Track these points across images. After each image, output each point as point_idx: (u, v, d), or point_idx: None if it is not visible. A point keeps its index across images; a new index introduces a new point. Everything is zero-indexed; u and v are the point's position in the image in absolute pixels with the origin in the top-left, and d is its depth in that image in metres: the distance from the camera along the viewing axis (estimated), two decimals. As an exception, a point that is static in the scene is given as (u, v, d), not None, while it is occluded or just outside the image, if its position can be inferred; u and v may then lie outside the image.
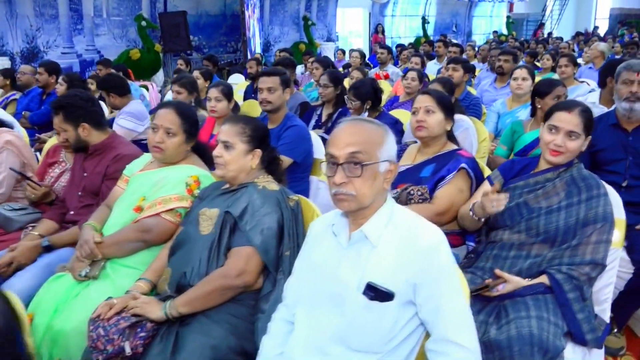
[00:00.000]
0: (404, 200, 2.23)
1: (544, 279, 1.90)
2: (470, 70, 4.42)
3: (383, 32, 13.85)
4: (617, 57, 7.78)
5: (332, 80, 4.07)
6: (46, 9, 9.06)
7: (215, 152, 1.86)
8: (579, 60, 8.31)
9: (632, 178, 2.60)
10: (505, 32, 18.66)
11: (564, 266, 1.89)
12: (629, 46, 7.88)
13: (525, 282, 1.89)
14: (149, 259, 1.99)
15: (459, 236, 2.33)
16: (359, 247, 1.43)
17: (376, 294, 1.35)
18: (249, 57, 9.95)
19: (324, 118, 4.15)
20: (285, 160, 2.90)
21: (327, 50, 12.98)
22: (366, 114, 3.76)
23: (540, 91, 3.14)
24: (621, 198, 2.59)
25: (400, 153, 2.48)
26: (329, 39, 13.97)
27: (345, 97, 3.90)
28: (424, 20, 16.04)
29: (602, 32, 19.04)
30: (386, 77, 7.14)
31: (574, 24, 22.59)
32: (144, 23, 9.53)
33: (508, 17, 19.03)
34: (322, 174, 3.07)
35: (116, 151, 2.45)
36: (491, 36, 16.46)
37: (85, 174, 2.48)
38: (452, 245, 2.20)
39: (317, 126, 4.13)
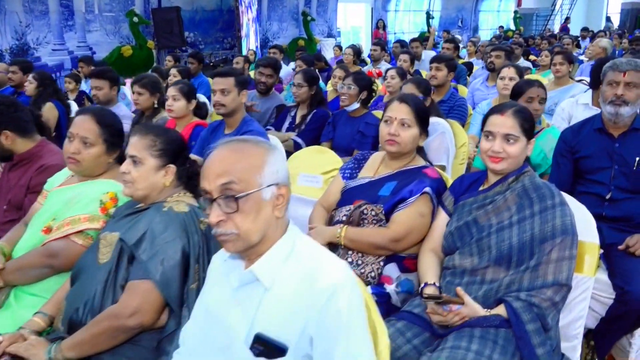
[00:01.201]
0: (356, 219, 1.98)
1: (501, 309, 1.65)
2: (454, 68, 4.13)
3: (384, 27, 13.51)
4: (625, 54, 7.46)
5: (306, 80, 3.84)
6: (36, 5, 8.90)
7: (122, 168, 1.63)
8: (582, 57, 7.99)
9: (617, 189, 2.33)
10: (513, 27, 18.24)
11: (523, 292, 1.64)
12: (634, 42, 7.51)
13: (483, 311, 1.65)
14: (58, 286, 1.76)
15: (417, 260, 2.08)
16: (250, 289, 1.19)
17: (265, 348, 1.12)
18: (244, 53, 9.75)
19: (297, 120, 3.91)
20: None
21: (328, 46, 12.69)
22: (358, 105, 3.50)
23: (514, 92, 2.88)
24: (604, 212, 2.36)
25: (362, 162, 2.24)
26: (329, 35, 13.69)
27: (341, 84, 3.64)
28: (429, 15, 15.66)
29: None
30: (379, 74, 6.86)
31: (585, 18, 22.04)
32: (135, 19, 9.33)
33: (515, 12, 18.57)
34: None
35: (42, 161, 2.23)
36: (497, 31, 16.04)
37: (10, 186, 2.27)
38: (409, 270, 1.96)
39: (290, 128, 3.90)
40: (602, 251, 2.30)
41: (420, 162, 2.11)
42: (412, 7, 16.03)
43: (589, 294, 1.81)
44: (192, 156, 2.84)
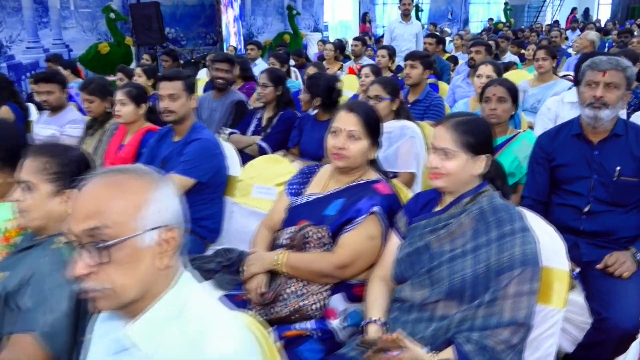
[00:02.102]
0: (299, 243, 1.75)
1: (449, 352, 1.43)
2: (430, 65, 3.90)
3: (370, 21, 13.25)
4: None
5: (271, 79, 3.60)
6: (8, 2, 8.57)
7: (13, 196, 1.40)
8: (570, 51, 7.76)
9: (596, 202, 2.12)
10: (504, 19, 18.01)
11: (476, 332, 1.42)
12: (622, 34, 7.28)
13: (428, 357, 1.42)
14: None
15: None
16: (126, 357, 0.96)
17: None
18: (226, 49, 9.49)
19: (264, 122, 3.68)
20: (183, 182, 2.44)
21: (314, 41, 12.42)
22: (315, 111, 3.29)
23: (481, 93, 2.68)
24: (582, 226, 2.14)
25: (309, 176, 2.01)
26: (316, 29, 13.42)
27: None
28: (417, 8, 15.37)
29: (604, 18, 18.32)
30: (360, 70, 6.63)
31: (577, 9, 21.82)
32: (112, 15, 9.02)
33: (506, 3, 18.32)
34: (238, 195, 2.61)
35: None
36: (487, 24, 15.81)
37: None
38: (359, 299, 1.74)
39: (256, 132, 3.66)
40: (579, 269, 2.10)
41: (372, 175, 1.88)
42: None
43: (557, 328, 1.59)
44: None
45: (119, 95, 2.91)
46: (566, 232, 2.15)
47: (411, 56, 3.84)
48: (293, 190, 1.96)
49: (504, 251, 1.46)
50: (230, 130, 3.65)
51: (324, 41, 10.30)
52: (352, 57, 7.11)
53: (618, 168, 2.07)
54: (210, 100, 4.09)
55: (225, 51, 8.47)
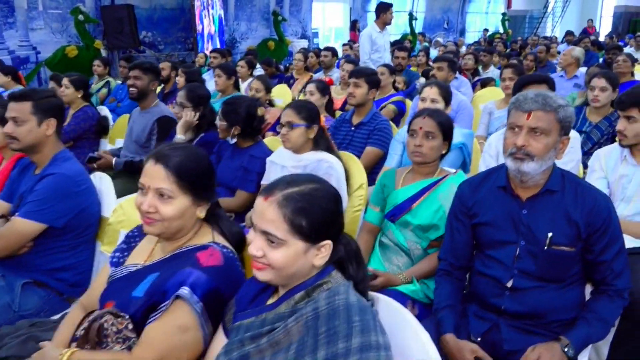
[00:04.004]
0: (94, 337, 1.30)
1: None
2: (377, 85, 3.44)
3: (359, 29, 12.81)
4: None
5: (190, 99, 3.15)
6: (-30, 1, 8.22)
7: None
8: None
9: (521, 275, 1.66)
10: (502, 30, 17.55)
11: None
12: (610, 51, 6.79)
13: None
14: None
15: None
16: None
17: None
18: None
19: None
20: (28, 227, 2.00)
21: (300, 47, 12.01)
22: (233, 140, 2.86)
23: None
24: (504, 305, 1.68)
25: (135, 240, 1.55)
26: (303, 36, 13.00)
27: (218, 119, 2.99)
28: (411, 17, 14.95)
29: (605, 31, 17.83)
30: (330, 83, 6.19)
31: (579, 21, 21.36)
32: (81, 17, 8.63)
33: (503, 14, 17.84)
34: (105, 242, 2.16)
35: None
36: (482, 35, 15.35)
37: None
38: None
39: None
40: (498, 363, 1.64)
41: (204, 237, 1.42)
42: (394, 8, 15.28)
43: None
44: None
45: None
46: (487, 309, 1.71)
47: (356, 73, 3.39)
48: (115, 259, 1.50)
49: None
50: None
51: (305, 49, 9.87)
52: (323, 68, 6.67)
53: (550, 234, 1.61)
54: (136, 114, 3.66)
55: (195, 58, 8.04)
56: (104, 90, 6.27)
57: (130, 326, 1.28)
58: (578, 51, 5.63)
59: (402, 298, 1.92)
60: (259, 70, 7.35)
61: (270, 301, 1.21)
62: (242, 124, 2.74)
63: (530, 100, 1.59)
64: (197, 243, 1.40)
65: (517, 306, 1.65)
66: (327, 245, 1.13)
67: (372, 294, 1.26)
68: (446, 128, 2.13)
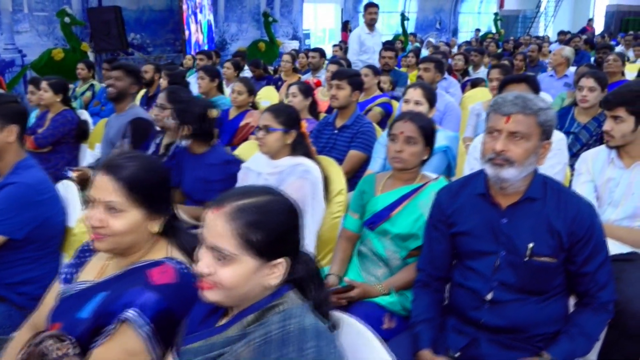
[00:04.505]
0: (34, 362, 1.20)
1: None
2: (360, 86, 3.35)
3: (351, 30, 12.74)
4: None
5: (171, 100, 3.05)
6: (-47, 4, 8.09)
7: None
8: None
9: (501, 287, 1.57)
10: (494, 30, 17.52)
11: None
12: (600, 50, 6.73)
13: None
14: None
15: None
16: None
17: None
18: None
19: (162, 149, 3.13)
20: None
21: (291, 49, 11.92)
22: (181, 143, 2.74)
23: None
24: (483, 318, 1.59)
25: (87, 255, 1.45)
26: (294, 37, 12.91)
27: None
28: (403, 17, 14.88)
29: (597, 30, 17.80)
30: (317, 84, 6.10)
31: (571, 20, 21.38)
32: (67, 19, 8.49)
33: (496, 14, 17.80)
34: (70, 254, 2.06)
35: None
36: (474, 35, 15.30)
37: None
38: None
39: (152, 160, 3.11)
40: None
41: (157, 252, 1.33)
42: (385, 8, 15.18)
43: None
44: None
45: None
46: (466, 323, 1.62)
47: (338, 75, 3.30)
48: (65, 275, 1.41)
49: None
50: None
51: (295, 50, 9.79)
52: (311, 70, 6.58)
53: (530, 245, 1.52)
54: (112, 118, 3.56)
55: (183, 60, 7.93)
56: (88, 94, 6.17)
57: (74, 351, 1.19)
58: (568, 51, 5.57)
59: (378, 310, 1.83)
60: (247, 72, 7.27)
61: (220, 323, 1.11)
62: (194, 125, 2.59)
63: (509, 102, 1.50)
64: (150, 259, 1.30)
65: (497, 320, 1.56)
66: (283, 263, 1.04)
67: (337, 315, 1.17)
68: (428, 133, 2.04)
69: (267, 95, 5.55)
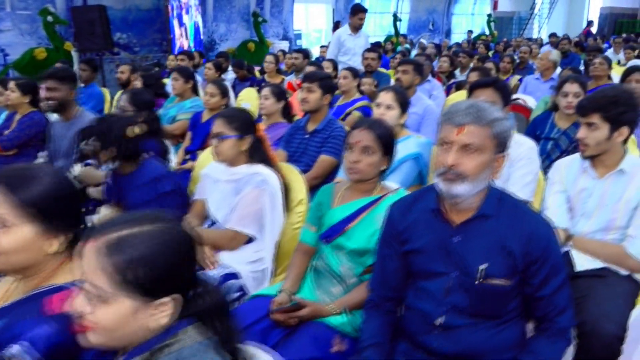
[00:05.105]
0: None
1: None
2: (331, 89, 3.23)
3: (341, 30, 12.63)
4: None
5: (134, 104, 2.96)
6: None
7: None
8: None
9: (453, 311, 1.46)
10: (487, 31, 17.44)
11: None
12: (591, 53, 6.63)
13: None
14: None
15: None
16: None
17: None
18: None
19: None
20: None
21: (279, 49, 11.79)
22: (104, 168, 2.50)
23: None
24: (434, 343, 1.47)
25: None
26: (285, 38, 12.78)
27: None
28: (396, 18, 14.78)
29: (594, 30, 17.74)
30: (300, 86, 5.98)
31: (566, 22, 21.33)
32: (50, 18, 8.34)
33: (489, 15, 17.71)
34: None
35: None
36: (467, 36, 15.19)
37: None
38: None
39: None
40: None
41: (62, 278, 1.20)
42: (377, 9, 15.12)
43: None
44: None
45: None
46: (417, 348, 1.51)
47: (309, 77, 3.18)
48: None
49: None
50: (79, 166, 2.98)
51: (284, 51, 9.68)
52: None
53: (483, 266, 1.41)
54: (57, 126, 3.42)
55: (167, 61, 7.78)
56: (66, 94, 6.02)
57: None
58: (555, 54, 5.46)
59: (328, 332, 1.72)
60: (231, 73, 7.14)
61: (118, 361, 0.99)
62: (116, 147, 2.28)
63: (462, 112, 1.38)
64: (52, 283, 1.18)
65: (449, 346, 1.45)
66: (171, 302, 0.92)
67: (250, 350, 1.06)
68: (386, 141, 1.92)
69: (248, 97, 5.43)
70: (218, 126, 2.21)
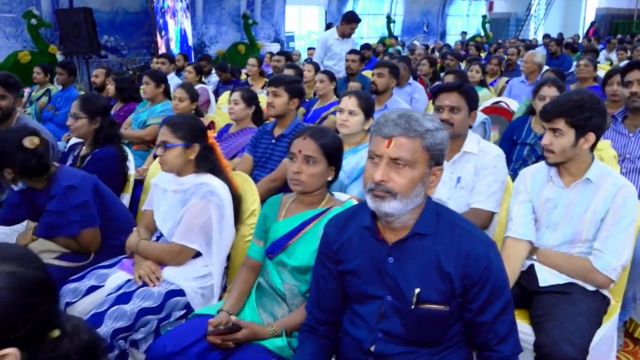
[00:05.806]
0: None
1: None
2: (299, 94, 3.10)
3: (333, 32, 12.52)
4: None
5: (84, 109, 2.81)
6: None
7: None
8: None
9: (386, 338, 1.34)
10: (482, 33, 17.34)
11: None
12: (588, 53, 6.51)
13: None
14: None
15: None
16: None
17: None
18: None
19: (79, 161, 2.90)
20: None
21: (267, 52, 11.68)
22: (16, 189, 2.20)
23: None
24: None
25: None
26: (276, 40, 12.67)
27: None
28: (389, 20, 14.69)
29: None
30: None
31: (562, 23, 21.23)
32: (34, 21, 8.25)
33: (484, 16, 17.61)
34: None
35: None
36: (461, 38, 15.09)
37: None
38: None
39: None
40: None
41: None
42: (371, 11, 15.02)
43: None
44: None
45: None
46: (352, 378, 1.38)
47: (274, 82, 3.06)
48: None
49: None
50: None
51: (271, 53, 9.55)
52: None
53: (417, 290, 1.29)
54: None
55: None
56: (45, 99, 5.89)
57: None
58: (540, 57, 5.34)
59: (265, 356, 1.60)
60: (214, 77, 7.02)
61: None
62: (15, 164, 2.06)
63: (391, 123, 1.26)
64: None
65: (379, 381, 1.33)
66: (11, 355, 0.79)
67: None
68: (331, 151, 1.80)
69: (227, 100, 5.30)
70: (163, 134, 2.09)
